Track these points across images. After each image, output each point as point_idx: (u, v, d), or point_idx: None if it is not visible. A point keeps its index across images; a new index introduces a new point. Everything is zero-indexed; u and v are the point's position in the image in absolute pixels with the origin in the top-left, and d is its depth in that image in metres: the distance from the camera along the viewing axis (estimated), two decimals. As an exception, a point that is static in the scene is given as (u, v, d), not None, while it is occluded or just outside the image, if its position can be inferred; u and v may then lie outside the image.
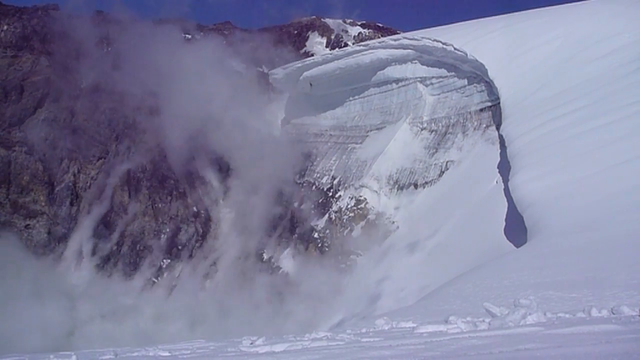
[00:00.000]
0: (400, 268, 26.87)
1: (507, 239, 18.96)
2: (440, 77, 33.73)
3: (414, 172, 33.21)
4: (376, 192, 34.50)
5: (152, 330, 36.64)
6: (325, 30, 66.44)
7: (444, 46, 31.81)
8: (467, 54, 29.87)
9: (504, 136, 24.09)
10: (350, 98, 41.31)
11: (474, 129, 30.97)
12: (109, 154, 46.18)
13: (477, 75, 30.87)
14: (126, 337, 35.49)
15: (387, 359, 4.81)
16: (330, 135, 42.66)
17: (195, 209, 45.66)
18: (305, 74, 43.16)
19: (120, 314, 37.96)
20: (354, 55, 38.74)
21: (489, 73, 28.26)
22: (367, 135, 38.76)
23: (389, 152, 34.97)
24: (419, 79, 35.07)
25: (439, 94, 34.22)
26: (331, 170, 40.05)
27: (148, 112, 48.22)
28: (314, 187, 40.28)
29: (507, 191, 20.76)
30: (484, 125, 30.39)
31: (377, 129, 38.09)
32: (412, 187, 32.72)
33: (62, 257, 41.51)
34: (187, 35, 59.32)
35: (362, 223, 34.09)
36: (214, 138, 46.52)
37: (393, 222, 31.95)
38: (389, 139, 35.37)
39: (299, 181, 42.07)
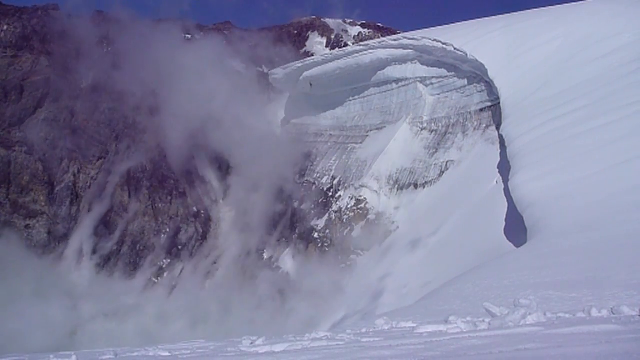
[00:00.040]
0: (402, 266, 26.90)
1: (507, 239, 18.95)
2: (440, 77, 33.73)
3: (414, 172, 33.21)
4: (376, 192, 34.50)
5: (155, 329, 36.72)
6: (325, 30, 66.46)
7: (444, 46, 31.81)
8: (467, 54, 29.86)
9: (504, 136, 24.09)
10: (350, 98, 41.32)
11: (474, 129, 30.97)
12: (109, 154, 46.19)
13: (477, 75, 30.87)
14: (129, 336, 35.57)
15: (387, 359, 4.82)
16: (330, 135, 42.67)
17: (195, 208, 45.68)
18: (305, 74, 43.16)
19: (122, 314, 38.03)
20: (354, 55, 38.73)
21: (489, 73, 28.26)
22: (367, 135, 38.76)
23: (389, 152, 34.98)
24: (419, 79, 35.08)
25: (439, 94, 34.23)
26: (331, 170, 40.05)
27: (148, 112, 48.25)
28: (314, 187, 40.29)
29: (507, 191, 20.76)
30: (484, 125, 30.39)
31: (377, 129, 38.09)
32: (412, 187, 32.73)
33: (62, 257, 41.52)
34: (187, 35, 59.34)
35: (362, 223, 34.10)
36: (213, 137, 46.56)
37: (393, 222, 31.96)
38: (389, 139, 35.37)
39: (299, 181, 42.08)
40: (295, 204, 40.80)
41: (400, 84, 36.44)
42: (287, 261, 37.93)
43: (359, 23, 70.17)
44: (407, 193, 32.81)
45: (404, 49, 35.50)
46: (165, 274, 42.11)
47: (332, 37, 65.54)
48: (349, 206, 35.87)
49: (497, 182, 24.50)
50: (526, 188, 17.91)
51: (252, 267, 40.04)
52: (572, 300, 8.09)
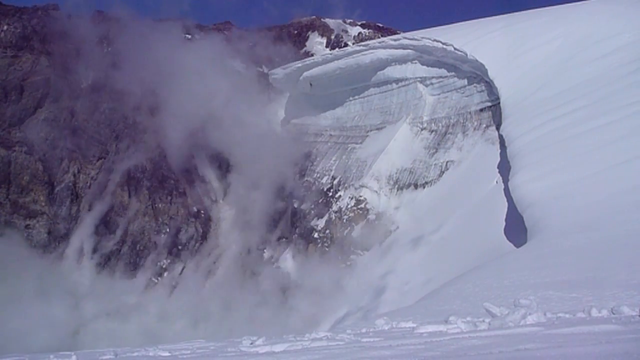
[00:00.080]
0: (403, 265, 26.94)
1: (507, 239, 18.96)
2: (440, 77, 33.73)
3: (414, 172, 33.21)
4: (376, 192, 34.50)
5: (157, 328, 36.83)
6: (325, 30, 66.43)
7: (444, 46, 31.81)
8: (467, 54, 29.87)
9: (504, 136, 24.09)
10: (350, 98, 41.32)
11: (474, 129, 30.98)
12: (109, 154, 46.19)
13: (477, 75, 30.87)
14: (131, 335, 35.67)
15: (387, 359, 4.82)
16: (330, 135, 42.67)
17: (195, 208, 45.69)
18: (305, 74, 43.17)
19: (124, 313, 38.12)
20: (354, 55, 38.74)
21: (489, 73, 28.26)
22: (367, 135, 38.77)
23: (389, 152, 34.98)
24: (419, 79, 35.08)
25: (439, 94, 34.23)
26: (331, 170, 40.05)
27: (148, 112, 48.26)
28: (314, 187, 40.29)
29: (507, 191, 20.76)
30: (484, 125, 30.40)
31: (377, 129, 38.09)
32: (412, 187, 32.73)
33: (62, 258, 41.53)
34: (187, 36, 59.33)
35: (362, 223, 34.09)
36: (213, 137, 46.59)
37: (393, 222, 31.96)
38: (389, 139, 35.37)
39: (299, 181, 42.09)
40: (295, 204, 40.81)
41: (400, 84, 36.44)
42: (287, 261, 37.95)
43: (359, 23, 70.14)
44: (407, 193, 32.82)
45: (404, 49, 35.51)
46: (165, 274, 42.13)
47: (332, 37, 65.52)
48: (349, 206, 35.87)
49: (497, 182, 24.51)
50: (526, 188, 17.91)
51: (252, 266, 40.10)
52: (572, 300, 8.09)
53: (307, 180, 41.37)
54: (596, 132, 18.62)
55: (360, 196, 35.15)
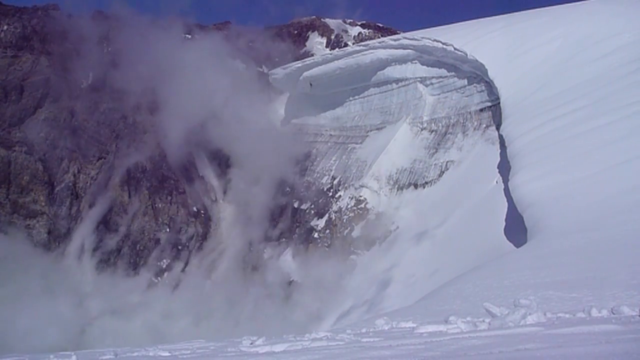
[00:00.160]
0: (407, 260, 26.98)
1: (507, 239, 18.96)
2: (440, 77, 33.73)
3: (414, 172, 33.21)
4: (376, 192, 34.51)
5: (161, 326, 37.00)
6: (325, 30, 66.41)
7: (444, 46, 31.82)
8: (467, 54, 29.87)
9: (504, 136, 24.10)
10: (350, 98, 41.32)
11: (474, 129, 30.98)
12: (109, 153, 46.18)
13: (477, 75, 30.87)
14: (136, 333, 35.83)
15: (387, 359, 4.82)
16: (330, 135, 42.67)
17: (195, 208, 45.68)
18: (305, 74, 43.16)
19: (129, 311, 38.26)
20: (354, 55, 38.74)
21: (489, 73, 28.26)
22: (367, 135, 38.77)
23: (389, 152, 34.98)
24: (419, 79, 35.08)
25: (439, 94, 34.23)
26: (331, 170, 40.06)
27: (148, 112, 48.26)
28: (314, 187, 40.30)
29: (507, 191, 20.77)
30: (484, 125, 30.40)
31: (377, 129, 38.10)
32: (412, 187, 32.73)
33: (63, 257, 41.54)
34: (187, 36, 59.33)
35: (362, 223, 34.10)
36: (213, 135, 46.62)
37: (393, 222, 31.96)
38: (389, 139, 35.38)
39: (299, 181, 42.10)
40: (295, 204, 40.82)
41: (400, 84, 36.44)
42: (288, 261, 37.96)
43: (359, 23, 70.14)
44: (407, 193, 32.82)
45: (404, 49, 35.51)
46: (165, 274, 42.15)
47: (332, 37, 65.49)
48: (349, 206, 35.87)
49: (497, 182, 24.51)
50: (526, 188, 17.91)
51: (254, 262, 40.17)
52: (572, 300, 8.09)
53: (307, 180, 41.38)
54: (596, 132, 18.61)
55: (360, 196, 35.16)
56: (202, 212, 45.87)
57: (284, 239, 39.89)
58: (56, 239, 42.05)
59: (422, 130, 34.39)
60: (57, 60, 47.95)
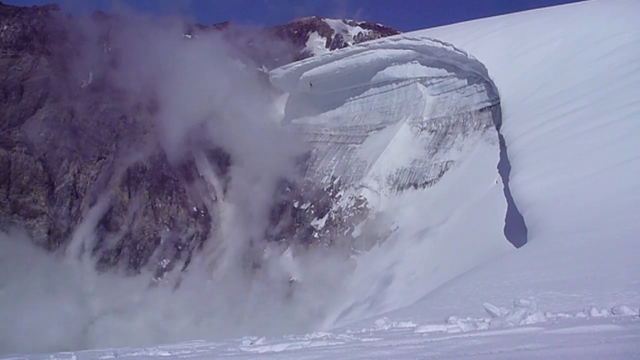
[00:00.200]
0: (404, 262, 26.99)
1: (507, 239, 18.96)
2: (440, 77, 33.73)
3: (414, 172, 33.22)
4: (376, 192, 34.51)
5: (164, 325, 37.10)
6: (325, 30, 66.39)
7: (444, 46, 31.82)
8: (467, 54, 29.87)
9: (504, 136, 24.10)
10: (350, 98, 41.32)
11: (474, 129, 30.99)
12: (109, 154, 46.17)
13: (477, 75, 30.87)
14: (139, 332, 35.93)
15: (387, 359, 4.82)
16: (330, 135, 42.67)
17: (195, 208, 45.69)
18: (305, 74, 43.16)
19: (131, 311, 38.35)
20: (354, 55, 38.74)
21: (489, 73, 28.26)
22: (367, 135, 38.77)
23: (389, 152, 34.98)
24: (419, 79, 35.08)
25: (439, 94, 34.23)
26: (331, 170, 40.06)
27: (148, 112, 48.27)
28: (314, 187, 40.30)
29: (507, 191, 20.77)
30: (484, 125, 30.40)
31: (377, 129, 38.10)
32: (412, 187, 32.74)
33: (63, 257, 41.55)
34: (187, 36, 59.34)
35: (362, 223, 34.10)
36: (213, 137, 46.61)
37: (393, 222, 31.97)
38: (389, 139, 35.38)
39: (299, 181, 42.12)
40: (295, 204, 40.83)
41: (400, 84, 36.44)
42: (288, 261, 37.96)
43: (359, 23, 70.12)
44: (407, 193, 32.82)
45: (404, 49, 35.51)
46: (165, 274, 42.17)
47: (332, 37, 65.47)
48: (349, 206, 35.87)
49: (497, 182, 24.52)
50: (526, 188, 17.91)
51: (254, 262, 40.20)
52: (572, 300, 8.09)
53: (307, 180, 41.38)
54: (596, 132, 18.62)
55: (360, 196, 35.16)
56: (202, 212, 45.88)
57: (284, 239, 39.89)
58: (56, 239, 42.05)
59: (422, 130, 34.39)
60: (57, 60, 47.96)
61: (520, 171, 19.35)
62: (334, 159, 40.64)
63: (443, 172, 31.14)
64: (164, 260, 42.63)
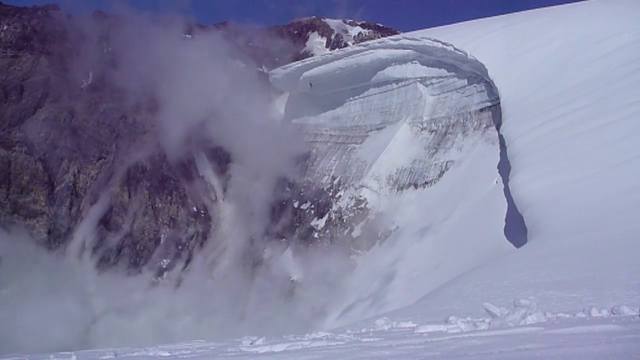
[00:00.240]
0: (406, 259, 27.02)
1: (507, 239, 18.97)
2: (440, 77, 33.73)
3: (414, 172, 33.21)
4: (376, 192, 34.50)
5: (166, 324, 37.20)
6: (325, 30, 66.40)
7: (444, 46, 31.81)
8: (467, 54, 29.87)
9: (504, 136, 24.10)
10: (350, 98, 41.31)
11: (474, 129, 30.99)
12: (109, 153, 46.18)
13: (477, 75, 30.87)
14: (142, 331, 36.00)
15: (387, 359, 4.82)
16: (330, 135, 42.67)
17: (195, 208, 45.69)
18: (305, 74, 43.16)
19: (133, 310, 38.43)
20: (354, 55, 38.73)
21: (489, 73, 28.27)
22: (367, 135, 38.77)
23: (389, 152, 34.98)
24: (419, 79, 35.08)
25: (439, 94, 34.23)
26: (331, 170, 40.05)
27: (148, 111, 48.27)
28: (314, 187, 40.29)
29: (507, 191, 20.77)
30: (484, 125, 30.40)
31: (377, 129, 38.09)
32: (412, 187, 32.74)
33: (64, 257, 41.56)
34: (187, 35, 59.35)
35: (362, 223, 34.10)
36: (213, 137, 46.62)
37: (393, 222, 31.97)
38: (389, 139, 35.38)
39: (299, 181, 42.12)
40: (296, 204, 40.83)
41: (400, 84, 36.44)
42: (288, 260, 37.97)
43: (359, 23, 70.14)
44: (407, 193, 32.82)
45: (404, 49, 35.50)
46: (166, 273, 42.21)
47: (332, 37, 65.48)
48: (349, 206, 35.87)
49: (497, 182, 24.52)
50: (526, 188, 17.92)
51: (255, 260, 40.25)
52: (572, 300, 8.09)
53: (307, 180, 41.38)
54: (596, 132, 18.62)
55: (360, 196, 35.16)
56: (202, 211, 45.90)
57: (284, 238, 39.90)
58: (56, 238, 42.07)
59: (422, 130, 34.39)
60: (57, 60, 47.96)
61: (520, 171, 19.35)
62: (334, 158, 40.65)
63: (443, 172, 31.14)
64: (165, 260, 42.65)
